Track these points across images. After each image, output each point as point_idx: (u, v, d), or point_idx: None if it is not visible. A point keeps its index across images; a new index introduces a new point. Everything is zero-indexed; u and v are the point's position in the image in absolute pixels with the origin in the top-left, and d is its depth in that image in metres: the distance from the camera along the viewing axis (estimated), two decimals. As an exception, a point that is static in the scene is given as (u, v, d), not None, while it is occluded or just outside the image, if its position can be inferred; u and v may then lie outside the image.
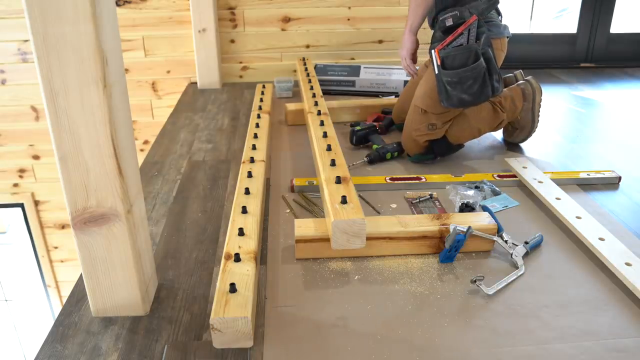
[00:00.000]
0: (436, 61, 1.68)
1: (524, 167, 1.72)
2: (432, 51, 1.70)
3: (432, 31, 1.88)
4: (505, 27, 1.83)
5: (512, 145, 2.02)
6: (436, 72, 1.69)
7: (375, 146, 1.91)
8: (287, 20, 2.84)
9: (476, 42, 1.65)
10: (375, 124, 2.02)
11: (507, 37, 1.83)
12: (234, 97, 2.70)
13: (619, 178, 1.72)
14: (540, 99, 1.93)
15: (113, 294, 1.10)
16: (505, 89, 1.91)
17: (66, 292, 3.28)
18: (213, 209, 1.58)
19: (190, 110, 2.50)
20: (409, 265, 1.29)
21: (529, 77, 1.95)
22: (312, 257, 1.31)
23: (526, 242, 1.33)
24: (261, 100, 2.28)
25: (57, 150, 0.96)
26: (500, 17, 1.87)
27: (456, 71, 1.63)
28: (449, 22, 1.69)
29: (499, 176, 1.71)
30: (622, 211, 1.55)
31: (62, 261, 3.27)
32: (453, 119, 1.80)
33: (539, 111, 1.95)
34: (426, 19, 1.90)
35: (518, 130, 1.96)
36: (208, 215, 1.54)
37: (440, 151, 1.84)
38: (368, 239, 1.23)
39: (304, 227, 1.32)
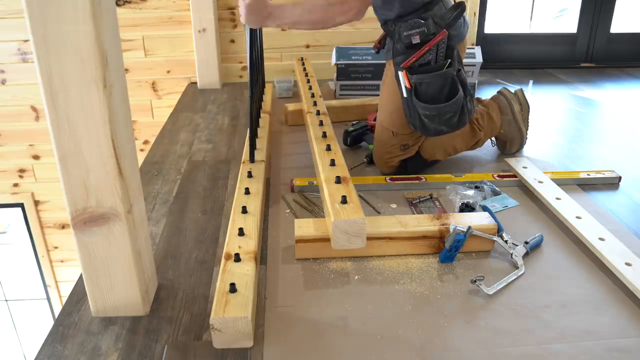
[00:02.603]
0: (404, 83, 1.55)
1: (524, 167, 1.72)
2: (400, 73, 1.56)
3: (385, 32, 1.68)
4: (465, 22, 1.65)
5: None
6: (404, 94, 1.57)
7: (371, 146, 1.91)
8: (287, 20, 2.84)
9: (446, 59, 1.52)
10: (368, 123, 2.02)
11: (467, 30, 1.67)
12: (234, 97, 2.70)
13: (619, 178, 1.72)
14: (522, 108, 1.86)
15: (113, 294, 1.10)
16: (480, 106, 1.83)
17: (66, 292, 3.28)
18: (213, 209, 1.58)
19: (190, 110, 2.50)
20: (409, 265, 1.29)
21: (501, 89, 1.88)
22: (312, 257, 1.31)
23: (526, 242, 1.33)
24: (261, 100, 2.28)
25: (57, 150, 0.96)
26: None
27: (436, 106, 1.52)
28: (416, 40, 1.51)
29: (499, 176, 1.71)
30: (622, 211, 1.55)
31: (62, 261, 3.27)
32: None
33: (527, 119, 1.88)
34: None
35: (508, 142, 1.89)
36: (208, 215, 1.54)
37: (414, 169, 1.75)
38: (368, 239, 1.23)
39: (304, 227, 1.32)
